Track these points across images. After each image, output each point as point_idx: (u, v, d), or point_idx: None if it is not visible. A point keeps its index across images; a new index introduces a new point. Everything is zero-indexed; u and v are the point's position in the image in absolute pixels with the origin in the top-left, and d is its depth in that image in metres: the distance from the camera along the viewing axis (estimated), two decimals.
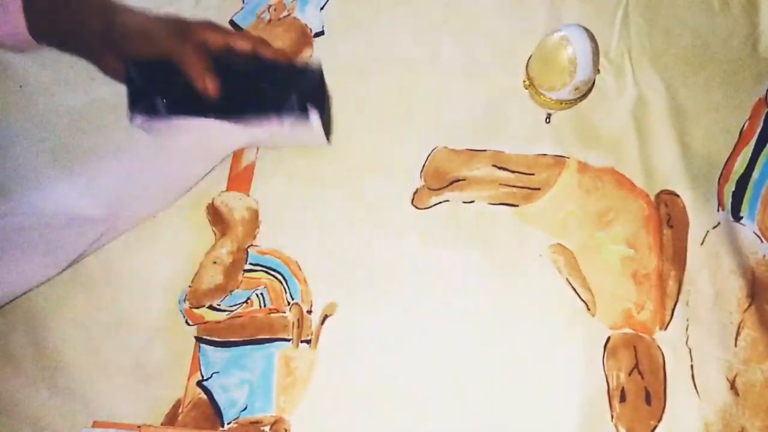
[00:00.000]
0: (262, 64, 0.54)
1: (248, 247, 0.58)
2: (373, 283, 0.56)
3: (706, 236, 0.57)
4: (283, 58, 0.54)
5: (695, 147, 0.60)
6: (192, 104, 0.53)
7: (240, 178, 0.61)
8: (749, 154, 0.59)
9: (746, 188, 0.58)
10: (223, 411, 0.52)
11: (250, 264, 0.57)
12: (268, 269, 0.57)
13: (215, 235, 0.59)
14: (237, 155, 0.62)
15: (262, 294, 0.56)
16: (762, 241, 0.56)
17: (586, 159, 0.60)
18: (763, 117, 0.60)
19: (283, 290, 0.56)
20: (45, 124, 0.62)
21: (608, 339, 0.54)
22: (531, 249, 0.57)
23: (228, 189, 0.60)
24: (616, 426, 0.51)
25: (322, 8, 0.68)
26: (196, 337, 0.55)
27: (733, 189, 0.58)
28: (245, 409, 0.52)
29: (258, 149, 0.62)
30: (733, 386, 0.52)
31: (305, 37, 0.66)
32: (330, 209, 0.59)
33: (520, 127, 0.61)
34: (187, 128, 0.54)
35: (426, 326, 0.54)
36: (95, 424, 0.51)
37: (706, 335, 0.53)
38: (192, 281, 0.56)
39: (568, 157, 0.60)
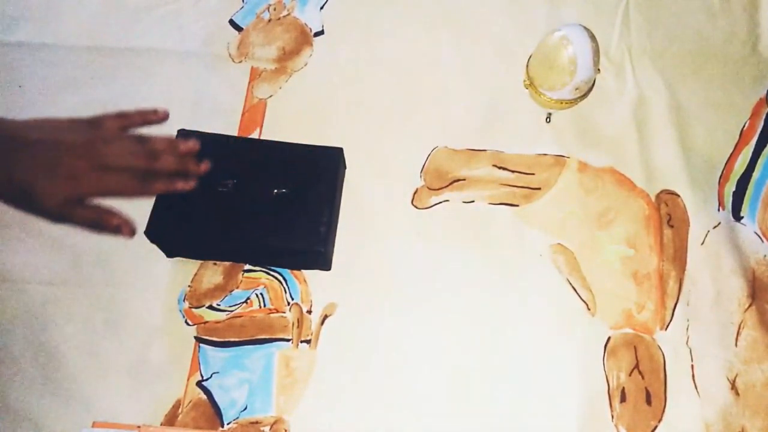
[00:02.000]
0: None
1: None
2: (372, 283, 0.56)
3: (706, 236, 0.57)
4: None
5: (696, 147, 0.60)
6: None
7: None
8: (750, 154, 0.59)
9: (747, 188, 0.58)
10: (222, 411, 0.52)
11: (250, 264, 0.57)
12: (267, 269, 0.57)
13: None
14: None
15: (261, 294, 0.56)
16: (762, 241, 0.56)
17: (586, 159, 0.60)
18: (763, 117, 0.60)
19: (283, 290, 0.56)
20: None
21: (608, 339, 0.54)
22: (531, 249, 0.57)
23: None
24: (616, 426, 0.51)
25: (321, 8, 0.68)
26: (195, 337, 0.55)
27: (734, 189, 0.58)
28: (245, 409, 0.52)
29: None
30: (733, 386, 0.52)
31: (305, 36, 0.66)
32: None
33: (520, 127, 0.61)
34: None
35: (426, 326, 0.54)
36: (95, 424, 0.51)
37: (707, 335, 0.53)
38: (192, 281, 0.56)
39: (569, 157, 0.60)
